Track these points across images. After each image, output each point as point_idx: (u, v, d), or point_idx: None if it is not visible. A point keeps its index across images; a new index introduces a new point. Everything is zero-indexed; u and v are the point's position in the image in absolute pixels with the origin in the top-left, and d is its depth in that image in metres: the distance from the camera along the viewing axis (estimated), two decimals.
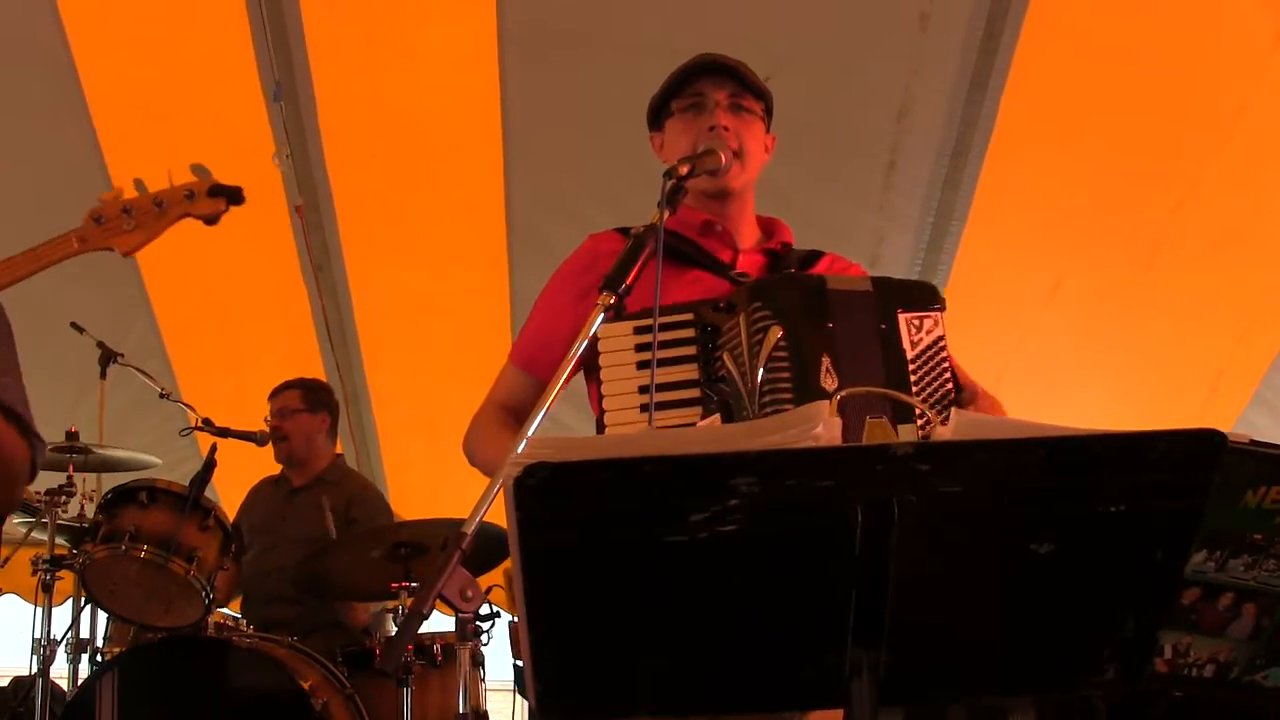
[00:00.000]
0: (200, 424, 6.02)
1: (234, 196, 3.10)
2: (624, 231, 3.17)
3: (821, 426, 1.80)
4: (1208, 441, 1.71)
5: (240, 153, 6.58)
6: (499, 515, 1.84)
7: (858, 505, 1.71)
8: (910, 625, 1.79)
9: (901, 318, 2.82)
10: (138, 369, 6.34)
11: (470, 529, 2.15)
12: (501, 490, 1.77)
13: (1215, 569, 2.36)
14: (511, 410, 3.28)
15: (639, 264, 2.59)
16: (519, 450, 2.15)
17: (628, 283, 2.56)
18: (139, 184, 3.04)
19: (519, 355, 3.34)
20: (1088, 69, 6.16)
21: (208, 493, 5.36)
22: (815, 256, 3.29)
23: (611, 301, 2.53)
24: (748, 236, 3.30)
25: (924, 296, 2.89)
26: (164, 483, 5.38)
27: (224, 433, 5.96)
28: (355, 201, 6.94)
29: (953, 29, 5.98)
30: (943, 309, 2.87)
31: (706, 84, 3.21)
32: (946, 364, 2.83)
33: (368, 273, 7.29)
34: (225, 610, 5.99)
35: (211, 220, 3.10)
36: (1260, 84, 6.06)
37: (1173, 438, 1.71)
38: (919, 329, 2.82)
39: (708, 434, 2.12)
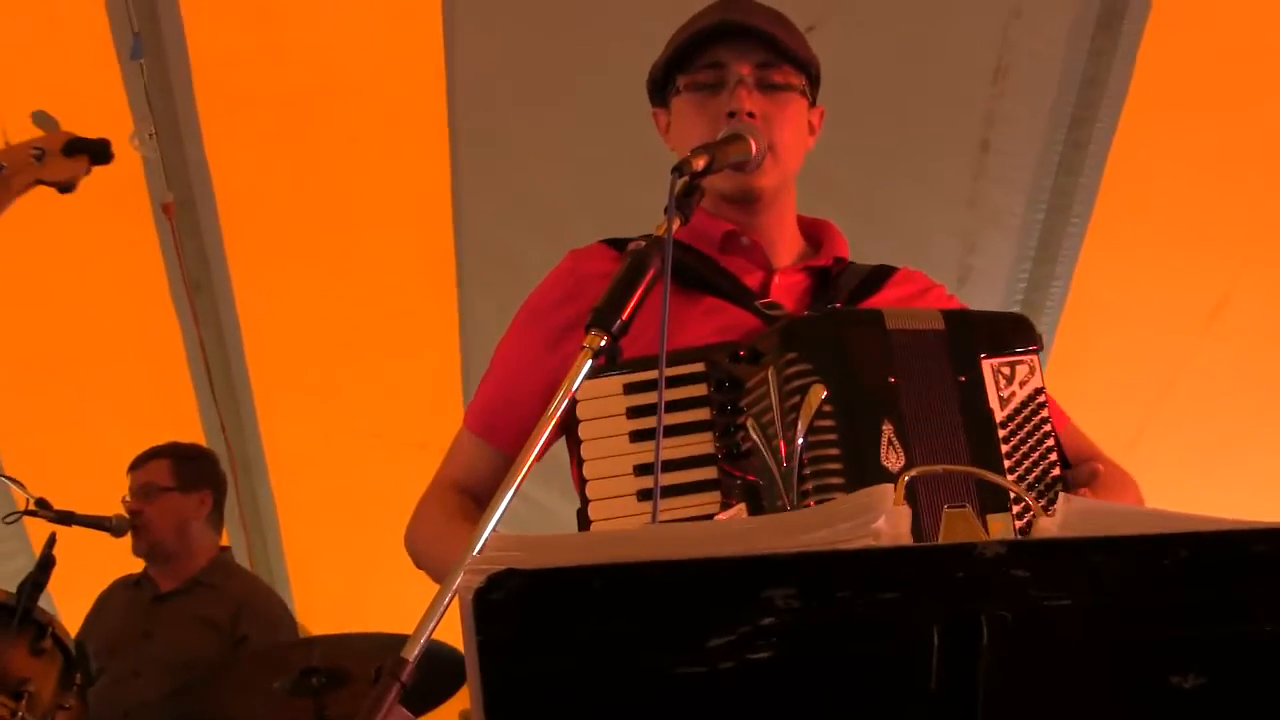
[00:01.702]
0: (32, 506, 6.04)
1: (99, 153, 3.11)
2: (617, 245, 3.19)
3: (884, 519, 1.81)
4: None
5: (84, 129, 6.60)
6: (451, 633, 1.88)
7: (933, 625, 1.73)
8: None
9: (986, 365, 2.83)
10: None
11: (413, 654, 2.19)
12: (455, 603, 1.80)
13: None
14: (469, 492, 3.29)
15: (639, 294, 2.59)
16: (477, 551, 2.18)
17: (624, 319, 2.56)
18: None
19: (475, 419, 3.37)
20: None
21: (42, 602, 5.36)
22: (882, 275, 3.31)
23: (603, 343, 2.54)
24: (786, 250, 3.33)
25: (1015, 334, 2.90)
26: None
27: (66, 518, 5.95)
28: (245, 197, 6.96)
29: None
30: (1040, 349, 2.88)
31: (726, 51, 3.20)
32: (1048, 425, 2.83)
33: (263, 293, 7.30)
34: None
35: (67, 188, 3.12)
36: None
37: None
38: (1010, 379, 2.83)
39: (732, 530, 2.13)
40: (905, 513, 1.86)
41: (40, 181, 3.09)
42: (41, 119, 3.07)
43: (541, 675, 1.76)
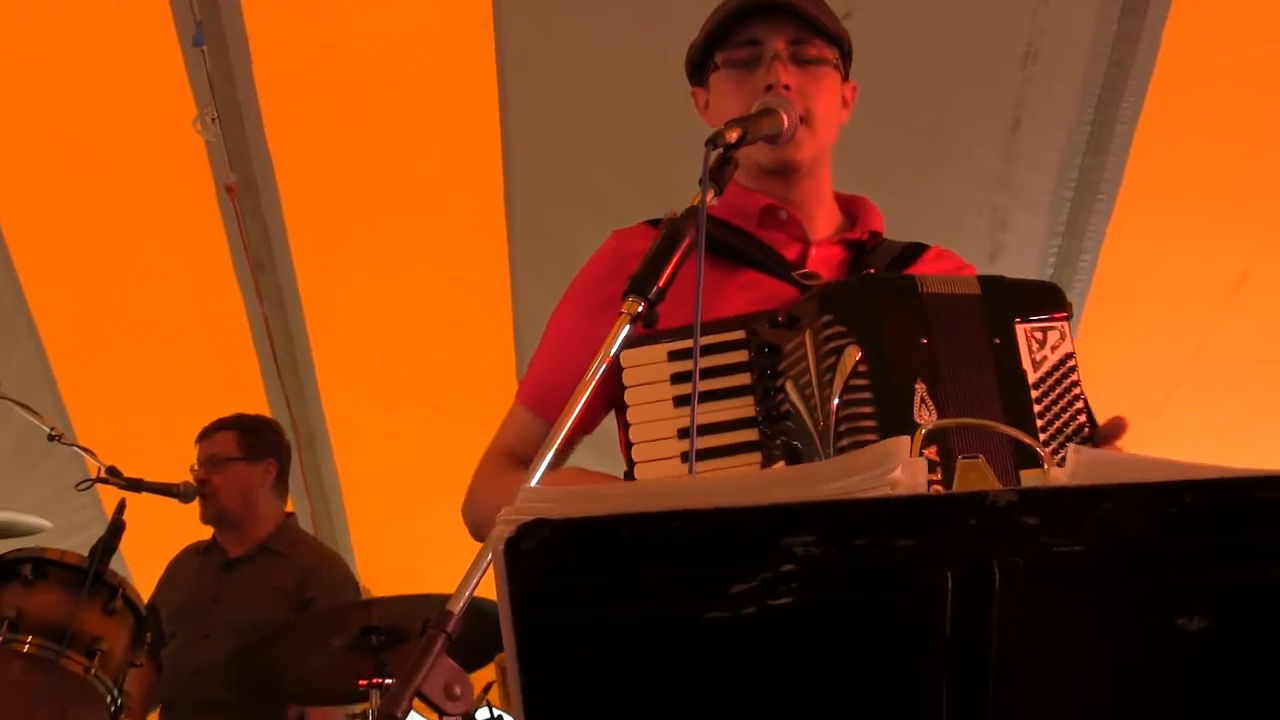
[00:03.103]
0: (103, 474, 6.06)
1: None
2: (658, 224, 3.19)
3: (900, 469, 1.81)
4: None
5: (150, 116, 6.64)
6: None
7: (947, 571, 1.73)
8: None
9: (1020, 329, 2.83)
10: (17, 403, 6.40)
11: (458, 607, 2.18)
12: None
13: None
14: (522, 460, 3.27)
15: (675, 260, 2.58)
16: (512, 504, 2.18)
17: (660, 285, 2.55)
18: None
19: (527, 393, 3.37)
20: None
21: (114, 564, 5.38)
22: (916, 251, 3.29)
23: (639, 310, 2.53)
24: (824, 224, 3.31)
25: (1047, 300, 2.89)
26: (55, 553, 5.39)
27: (136, 485, 5.97)
28: (305, 179, 6.97)
29: None
30: (1069, 316, 2.88)
31: (761, 28, 3.19)
32: (1079, 388, 2.83)
33: (324, 273, 7.32)
34: None
35: None
36: None
37: None
38: (1042, 344, 2.83)
39: (753, 482, 2.13)
40: (921, 463, 1.86)
41: None
42: None
43: (570, 622, 1.76)
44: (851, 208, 3.39)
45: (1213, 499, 1.75)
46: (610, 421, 3.09)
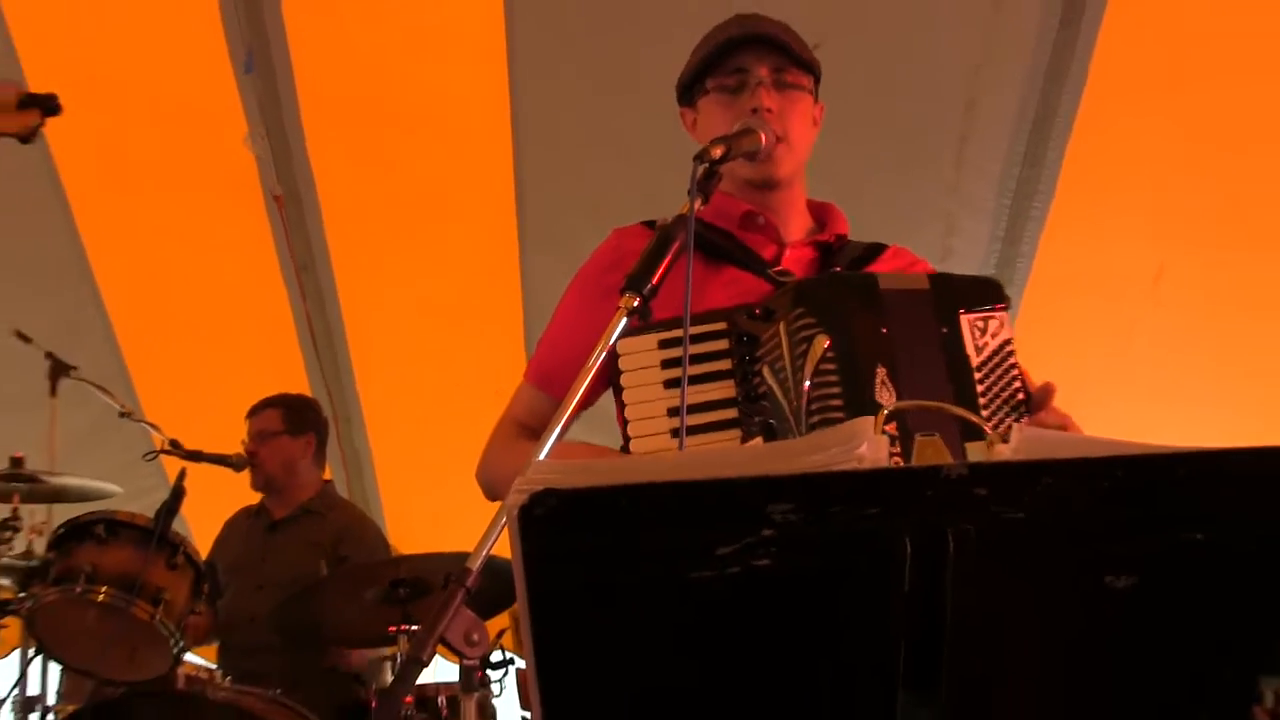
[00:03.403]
0: (167, 446, 6.09)
1: (48, 105, 3.06)
2: (653, 225, 3.19)
3: (866, 445, 1.82)
4: None
5: (206, 134, 6.64)
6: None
7: (907, 536, 1.73)
8: (969, 672, 1.81)
9: (964, 319, 2.84)
10: (94, 384, 6.40)
11: (475, 564, 2.19)
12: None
13: None
14: (529, 429, 3.30)
15: (666, 260, 2.61)
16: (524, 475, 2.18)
17: (653, 282, 2.58)
18: None
19: (535, 372, 3.37)
20: (1193, 17, 6.13)
21: (176, 525, 5.39)
22: (876, 251, 3.30)
23: (635, 304, 2.56)
24: (797, 227, 3.32)
25: (987, 293, 2.91)
26: (125, 514, 5.41)
27: (195, 456, 6.01)
28: (342, 190, 6.98)
29: None
30: (1008, 307, 2.90)
31: (747, 57, 3.21)
32: (1016, 370, 2.85)
33: (358, 273, 7.33)
34: (198, 660, 6.05)
35: (27, 138, 3.07)
36: None
37: (1269, 455, 1.73)
38: (984, 331, 2.84)
39: (737, 456, 2.14)
40: (883, 440, 1.87)
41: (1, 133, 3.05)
42: None
43: (575, 578, 1.76)
44: (821, 213, 3.40)
45: (1139, 472, 1.76)
46: (607, 398, 3.09)
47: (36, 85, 6.17)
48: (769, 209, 3.27)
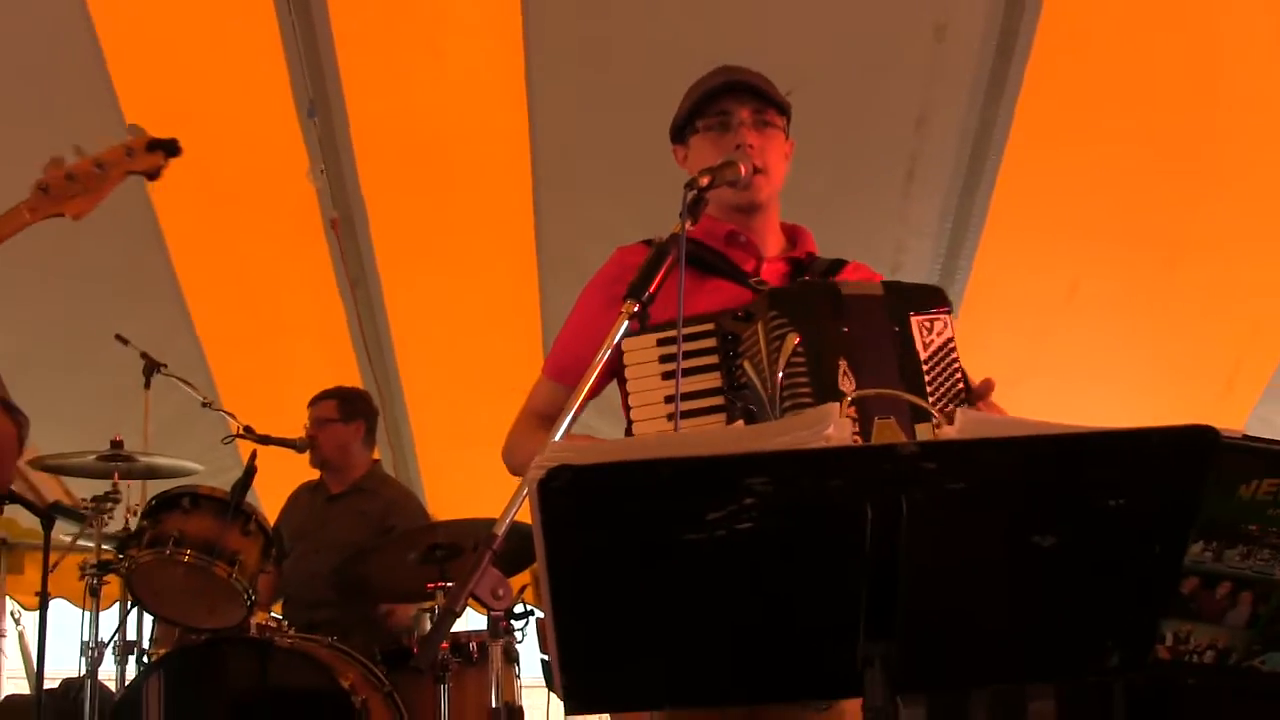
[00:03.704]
0: (241, 432, 6.10)
1: (171, 149, 3.07)
2: (651, 244, 3.20)
3: (832, 427, 1.82)
4: (1201, 437, 1.74)
5: (276, 169, 6.64)
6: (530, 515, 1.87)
7: (867, 503, 1.73)
8: (920, 617, 1.82)
9: (913, 320, 2.86)
10: (180, 379, 6.40)
11: (501, 530, 2.18)
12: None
13: (1212, 559, 2.41)
14: (546, 418, 3.27)
15: (661, 272, 2.60)
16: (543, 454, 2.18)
17: (650, 291, 2.58)
18: (78, 149, 3.01)
19: (552, 367, 3.35)
20: (1101, 72, 6.15)
21: (249, 498, 5.41)
22: (839, 265, 3.29)
23: (635, 309, 2.55)
24: (772, 245, 3.31)
25: (932, 299, 2.93)
26: (206, 489, 5.42)
27: (264, 440, 6.02)
28: (388, 216, 6.97)
29: (968, 39, 6.00)
30: (950, 311, 2.91)
31: (731, 102, 3.21)
32: (957, 364, 2.86)
33: (401, 285, 7.32)
34: (267, 613, 6.05)
35: (153, 175, 3.08)
36: (1270, 82, 6.05)
37: (1168, 434, 1.74)
38: (930, 330, 2.85)
39: (723, 436, 2.15)
40: (847, 424, 1.88)
41: (131, 171, 3.06)
42: (134, 129, 3.05)
43: (586, 541, 1.77)
44: (793, 234, 3.39)
45: (1061, 449, 1.77)
46: (612, 388, 3.08)
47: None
48: (749, 229, 3.25)
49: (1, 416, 2.98)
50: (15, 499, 5.44)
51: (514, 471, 3.31)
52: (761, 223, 3.28)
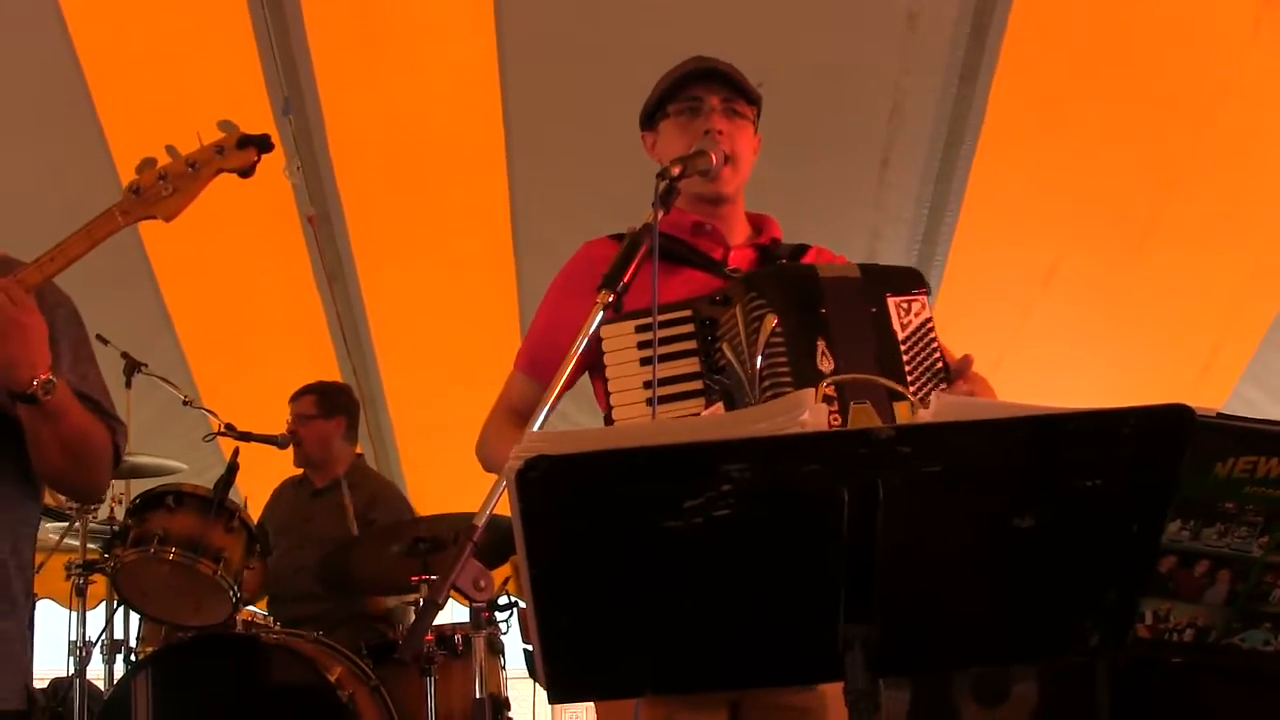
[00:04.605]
0: (223, 429, 6.08)
1: (263, 145, 3.06)
2: (618, 238, 3.17)
3: (808, 413, 1.81)
4: (1176, 417, 1.73)
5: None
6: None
7: (844, 488, 1.72)
8: (898, 600, 1.81)
9: (890, 301, 2.85)
10: (161, 378, 6.37)
11: (481, 522, 2.17)
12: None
13: (1190, 538, 2.41)
14: (519, 413, 3.27)
15: (635, 262, 2.60)
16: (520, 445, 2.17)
17: (625, 280, 2.57)
18: (171, 150, 2.99)
19: (523, 361, 3.34)
20: (1073, 59, 6.17)
21: (232, 495, 5.41)
22: (802, 250, 3.28)
23: (610, 299, 2.54)
24: (738, 234, 3.30)
25: (909, 281, 2.92)
26: (190, 487, 5.41)
27: (246, 437, 6.00)
28: (365, 211, 6.97)
29: (940, 26, 6.00)
30: (927, 292, 2.91)
31: (701, 88, 3.20)
32: (936, 344, 2.86)
33: (379, 280, 7.33)
34: (253, 608, 6.04)
35: (246, 172, 3.07)
36: (1243, 69, 6.07)
37: (1143, 414, 1.73)
38: (908, 311, 2.85)
39: (700, 423, 2.15)
40: (823, 408, 1.90)
41: (222, 169, 3.05)
42: (225, 124, 3.03)
43: (564, 530, 1.76)
44: (758, 222, 3.38)
45: (1036, 430, 1.75)
46: (586, 381, 3.08)
47: (111, 133, 6.29)
48: (716, 218, 3.25)
49: (103, 428, 3.11)
50: None
51: (487, 468, 3.29)
52: (728, 213, 3.28)
